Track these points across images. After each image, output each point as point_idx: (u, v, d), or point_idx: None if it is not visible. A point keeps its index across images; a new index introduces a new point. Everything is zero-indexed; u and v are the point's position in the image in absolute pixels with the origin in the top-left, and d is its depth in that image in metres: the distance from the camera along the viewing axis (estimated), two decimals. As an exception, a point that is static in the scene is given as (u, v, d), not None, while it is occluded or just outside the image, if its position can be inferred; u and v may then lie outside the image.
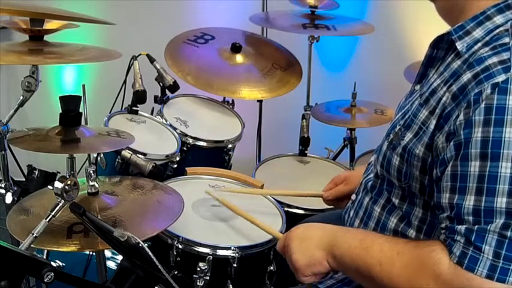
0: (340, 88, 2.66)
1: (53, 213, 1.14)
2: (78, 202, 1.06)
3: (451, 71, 1.01)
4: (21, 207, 1.39)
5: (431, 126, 1.00)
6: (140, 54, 2.11)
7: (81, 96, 1.43)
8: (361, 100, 2.48)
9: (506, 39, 0.96)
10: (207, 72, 2.30)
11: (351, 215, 1.28)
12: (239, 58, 2.36)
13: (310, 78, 2.62)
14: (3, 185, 1.69)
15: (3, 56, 1.41)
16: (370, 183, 1.22)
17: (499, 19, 0.99)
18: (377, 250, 1.01)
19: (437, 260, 0.93)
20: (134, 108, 2.07)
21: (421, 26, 2.68)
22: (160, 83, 2.18)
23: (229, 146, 2.15)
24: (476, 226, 0.90)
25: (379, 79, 2.88)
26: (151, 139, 2.00)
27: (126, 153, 1.78)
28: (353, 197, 1.33)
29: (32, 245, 1.13)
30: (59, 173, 1.94)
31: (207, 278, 1.42)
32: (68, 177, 1.14)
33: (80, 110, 1.41)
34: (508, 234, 0.88)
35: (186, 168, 1.85)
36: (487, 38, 0.98)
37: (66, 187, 1.11)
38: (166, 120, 2.11)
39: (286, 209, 1.78)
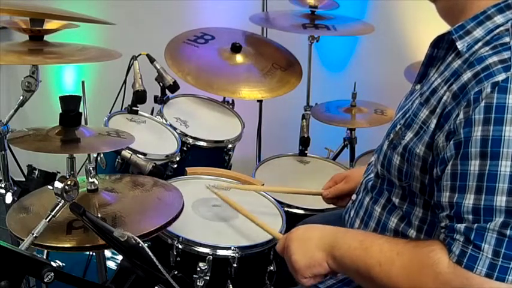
0: (340, 88, 2.66)
1: (53, 214, 1.14)
2: (77, 198, 1.06)
3: (452, 70, 1.01)
4: (21, 206, 1.39)
5: (432, 126, 1.00)
6: (140, 54, 2.11)
7: (81, 97, 1.42)
8: (361, 100, 2.48)
9: (507, 39, 0.96)
10: (207, 72, 2.30)
11: (351, 215, 1.28)
12: (239, 58, 2.36)
13: (310, 78, 2.62)
14: (3, 185, 1.69)
15: (3, 56, 1.41)
16: (370, 183, 1.22)
17: (499, 19, 0.99)
18: (377, 251, 1.01)
19: (437, 259, 0.93)
20: (134, 108, 2.06)
21: (421, 26, 2.68)
22: (160, 83, 2.18)
23: (229, 146, 2.15)
24: (476, 225, 0.90)
25: (379, 79, 2.88)
26: (151, 139, 2.00)
27: (126, 153, 1.78)
28: (353, 197, 1.33)
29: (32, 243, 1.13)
30: (59, 173, 1.94)
31: (207, 278, 1.42)
32: (68, 177, 1.14)
33: (80, 110, 1.41)
34: (508, 232, 0.88)
35: (186, 168, 1.85)
36: (488, 38, 0.98)
37: (66, 187, 1.11)
38: (166, 120, 2.11)
39: (286, 209, 1.78)
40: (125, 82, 2.17)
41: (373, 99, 2.55)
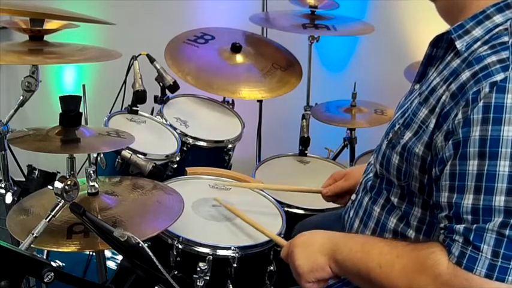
0: (340, 88, 2.66)
1: (53, 213, 1.14)
2: (78, 202, 1.06)
3: (451, 69, 1.01)
4: (21, 207, 1.39)
5: (431, 125, 1.00)
6: (140, 54, 2.11)
7: (81, 96, 1.43)
8: (361, 100, 2.48)
9: (506, 38, 0.96)
10: (207, 72, 2.30)
11: (350, 215, 1.28)
12: (239, 58, 2.36)
13: (310, 78, 2.62)
14: (3, 185, 1.69)
15: (3, 56, 1.41)
16: (369, 183, 1.22)
17: (498, 18, 0.99)
18: (377, 253, 1.01)
19: (436, 261, 0.93)
20: (134, 108, 2.07)
21: (421, 26, 2.68)
22: (160, 83, 2.18)
23: (229, 146, 2.15)
24: (475, 225, 0.90)
25: (379, 79, 2.88)
26: (151, 139, 2.00)
27: (126, 153, 1.78)
28: (353, 197, 1.33)
29: (32, 245, 1.13)
30: (59, 173, 1.94)
31: (207, 278, 1.42)
32: (68, 177, 1.14)
33: (80, 110, 1.41)
34: (507, 232, 0.88)
35: (186, 168, 1.85)
36: (487, 37, 0.98)
37: (66, 187, 1.11)
38: (166, 120, 2.11)
39: (286, 209, 1.78)
40: (125, 82, 2.17)
41: (373, 99, 2.55)
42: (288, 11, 2.56)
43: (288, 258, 1.17)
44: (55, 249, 1.24)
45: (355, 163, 2.46)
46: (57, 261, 1.63)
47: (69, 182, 1.11)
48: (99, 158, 1.75)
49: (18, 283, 0.86)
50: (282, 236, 1.58)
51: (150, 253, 0.95)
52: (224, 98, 2.39)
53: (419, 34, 2.78)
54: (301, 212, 1.83)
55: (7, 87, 2.96)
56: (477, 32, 1.00)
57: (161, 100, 2.20)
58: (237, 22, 2.59)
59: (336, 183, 1.52)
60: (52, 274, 0.88)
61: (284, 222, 1.64)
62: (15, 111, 1.60)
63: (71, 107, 1.39)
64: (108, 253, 1.67)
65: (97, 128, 1.51)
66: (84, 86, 1.53)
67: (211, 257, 1.46)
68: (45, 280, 0.88)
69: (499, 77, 0.90)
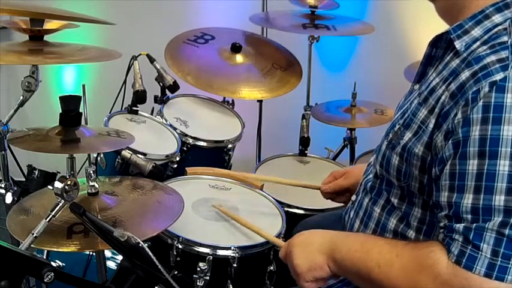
0: (340, 88, 2.66)
1: (53, 213, 1.14)
2: (78, 202, 1.06)
3: (450, 69, 1.01)
4: (21, 207, 1.39)
5: (431, 125, 1.00)
6: (140, 54, 2.11)
7: (81, 96, 1.43)
8: (361, 100, 2.49)
9: (505, 38, 0.96)
10: (207, 72, 2.30)
11: (351, 216, 1.28)
12: (239, 58, 2.36)
13: (310, 78, 2.62)
14: (3, 185, 1.69)
15: (3, 56, 1.41)
16: (369, 184, 1.22)
17: (497, 18, 0.99)
18: (376, 253, 1.01)
19: (436, 260, 0.93)
20: (134, 108, 2.07)
21: (421, 26, 2.68)
22: (160, 83, 2.18)
23: (229, 146, 2.15)
24: (475, 224, 0.90)
25: (379, 79, 2.88)
26: (151, 139, 2.00)
27: (126, 153, 1.78)
28: (353, 197, 1.33)
29: (32, 245, 1.13)
30: (59, 173, 1.94)
31: (207, 278, 1.42)
32: (68, 177, 1.14)
33: (80, 110, 1.41)
34: (506, 232, 0.88)
35: (186, 168, 1.85)
36: (486, 37, 0.98)
37: (66, 187, 1.11)
38: (166, 120, 2.11)
39: (286, 209, 1.78)
40: (125, 82, 2.17)
41: (373, 99, 2.55)
42: (288, 11, 2.56)
43: (286, 258, 1.17)
44: (55, 249, 1.24)
45: (355, 163, 2.46)
46: (57, 261, 1.64)
47: (69, 182, 1.11)
48: (99, 158, 1.75)
49: (18, 283, 0.87)
50: (282, 236, 1.58)
51: (150, 253, 0.95)
52: (224, 98, 2.39)
53: (419, 34, 2.78)
54: (301, 212, 1.83)
55: (7, 87, 2.96)
56: (476, 32, 1.00)
57: (161, 100, 2.20)
58: (237, 22, 2.59)
59: (335, 181, 1.52)
60: (52, 274, 0.88)
61: (284, 222, 1.64)
62: (15, 111, 1.60)
63: (71, 107, 1.39)
64: (108, 253, 1.67)
65: (97, 128, 1.51)
66: (84, 86, 1.53)
67: (211, 257, 1.46)
68: (45, 280, 0.88)
69: (498, 76, 0.91)
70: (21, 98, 1.57)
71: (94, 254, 1.61)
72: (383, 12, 2.86)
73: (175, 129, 2.08)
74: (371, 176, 1.23)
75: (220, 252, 1.48)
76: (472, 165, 0.91)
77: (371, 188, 1.21)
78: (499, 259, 0.88)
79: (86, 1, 2.59)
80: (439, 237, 0.97)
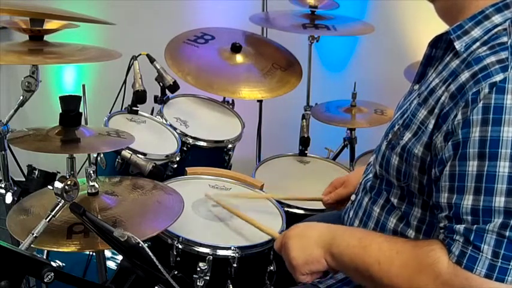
0: (340, 88, 2.66)
1: (53, 213, 1.14)
2: (78, 202, 1.06)
3: (450, 70, 1.01)
4: (21, 207, 1.39)
5: (430, 126, 1.00)
6: (140, 54, 2.11)
7: (81, 96, 1.43)
8: (361, 100, 2.49)
9: (505, 39, 0.96)
10: (207, 72, 2.30)
11: (350, 216, 1.28)
12: (239, 58, 2.36)
13: (310, 78, 2.62)
14: (3, 185, 1.69)
15: (3, 56, 1.41)
16: (369, 184, 1.22)
17: (497, 18, 0.99)
18: (376, 249, 1.01)
19: (436, 259, 0.93)
20: (134, 108, 2.07)
21: (421, 26, 2.68)
22: (160, 83, 2.18)
23: (229, 146, 2.15)
24: (475, 226, 0.90)
25: (379, 79, 2.88)
26: (151, 139, 2.00)
27: (126, 153, 1.78)
28: (352, 197, 1.33)
29: (32, 245, 1.13)
30: (59, 173, 1.94)
31: (207, 278, 1.42)
32: (68, 177, 1.14)
33: (80, 110, 1.41)
34: (507, 233, 0.88)
35: (186, 168, 1.85)
36: (486, 38, 0.98)
37: (66, 187, 1.11)
38: (166, 120, 2.11)
39: (286, 209, 1.78)
40: (125, 82, 2.17)
41: (373, 99, 2.55)
42: (288, 11, 2.56)
43: (281, 250, 1.17)
44: (55, 249, 1.24)
45: (355, 163, 2.46)
46: (57, 261, 1.64)
47: (69, 182, 1.11)
48: (99, 158, 1.75)
49: (18, 283, 0.86)
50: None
51: (150, 253, 0.95)
52: (224, 98, 2.39)
53: (419, 34, 2.78)
54: (301, 212, 1.83)
55: (7, 87, 2.96)
56: (476, 32, 1.00)
57: (161, 100, 2.20)
58: (237, 22, 2.59)
59: (336, 191, 1.53)
60: (52, 274, 0.88)
61: (284, 222, 1.64)
62: (15, 111, 1.60)
63: (71, 107, 1.39)
64: (108, 253, 1.67)
65: (97, 128, 1.51)
66: (84, 86, 1.53)
67: (211, 257, 1.46)
68: (45, 280, 0.88)
69: (498, 77, 0.90)
70: (21, 98, 1.57)
71: (94, 254, 1.61)
72: (383, 12, 2.86)
73: (175, 129, 2.08)
74: (371, 175, 1.23)
75: (220, 252, 1.48)
76: (472, 166, 0.91)
77: (371, 188, 1.21)
78: (500, 260, 0.88)
79: (86, 1, 2.59)
80: (439, 237, 0.97)
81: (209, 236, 1.53)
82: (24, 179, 2.11)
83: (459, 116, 0.93)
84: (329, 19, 2.47)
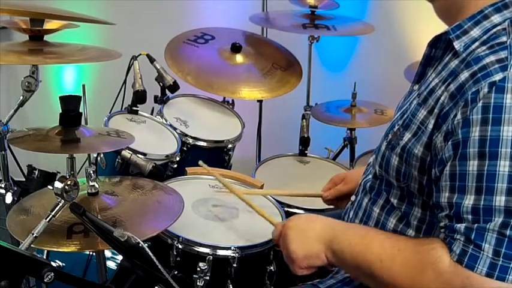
0: (340, 88, 2.66)
1: (53, 213, 1.14)
2: (78, 202, 1.06)
3: (449, 70, 1.01)
4: (21, 207, 1.39)
5: (430, 126, 1.00)
6: (140, 54, 2.11)
7: (81, 96, 1.43)
8: (361, 100, 2.49)
9: (504, 38, 0.96)
10: (207, 72, 2.30)
11: (350, 216, 1.28)
12: (239, 58, 2.36)
13: (310, 78, 2.62)
14: (3, 185, 1.69)
15: (3, 56, 1.41)
16: (368, 184, 1.22)
17: (496, 18, 0.99)
18: (378, 247, 1.01)
19: (438, 257, 0.93)
20: (134, 108, 2.07)
21: (421, 26, 2.68)
22: (160, 83, 2.18)
23: (229, 146, 2.16)
24: (476, 225, 0.91)
25: (379, 79, 2.88)
26: (151, 139, 2.00)
27: (126, 153, 1.78)
28: (352, 198, 1.33)
29: (32, 245, 1.13)
30: (59, 173, 1.94)
31: (207, 278, 1.42)
32: (68, 177, 1.14)
33: (80, 110, 1.41)
34: (507, 232, 0.89)
35: (186, 168, 1.85)
36: (485, 37, 0.98)
37: (66, 187, 1.11)
38: (166, 120, 2.11)
39: (286, 209, 1.78)
40: (125, 82, 2.17)
41: (373, 99, 2.55)
42: (288, 11, 2.56)
43: (279, 239, 1.17)
44: (55, 249, 1.24)
45: (355, 163, 2.46)
46: (57, 261, 1.64)
47: (69, 182, 1.11)
48: (99, 158, 1.75)
49: (18, 283, 0.87)
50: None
51: (150, 253, 0.95)
52: (224, 98, 2.39)
53: (419, 34, 2.78)
54: (301, 212, 1.83)
55: (7, 87, 2.97)
56: (475, 32, 1.00)
57: (161, 100, 2.20)
58: (237, 22, 2.59)
59: (335, 187, 1.52)
60: (52, 274, 0.88)
61: (284, 222, 1.64)
62: (15, 111, 1.60)
63: (71, 107, 1.39)
64: (108, 253, 1.67)
65: (97, 128, 1.51)
66: (84, 86, 1.53)
67: (211, 257, 1.46)
68: (45, 280, 0.88)
69: (497, 76, 0.91)
70: (21, 98, 1.57)
71: (94, 254, 1.61)
72: (383, 12, 2.86)
73: (175, 129, 2.08)
74: (370, 176, 1.23)
75: (220, 252, 1.48)
76: (472, 166, 0.91)
77: (370, 188, 1.20)
78: (501, 259, 0.89)
79: (86, 1, 2.59)
80: (440, 236, 0.97)
81: (209, 236, 1.53)
82: (24, 179, 2.11)
83: (459, 116, 0.93)
84: (329, 19, 2.47)
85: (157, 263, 0.95)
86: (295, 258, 1.11)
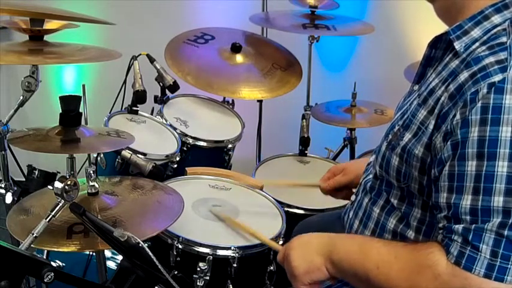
0: (340, 88, 2.66)
1: (53, 213, 1.14)
2: (78, 202, 1.06)
3: (449, 70, 1.01)
4: (21, 207, 1.39)
5: (430, 126, 1.00)
6: (140, 54, 2.11)
7: (81, 96, 1.43)
8: (361, 100, 2.48)
9: (504, 39, 0.96)
10: (207, 72, 2.30)
11: (350, 216, 1.28)
12: (239, 58, 2.36)
13: (310, 78, 2.62)
14: (3, 185, 1.69)
15: (3, 56, 1.41)
16: (369, 184, 1.22)
17: (496, 18, 0.99)
18: (375, 254, 1.01)
19: (435, 261, 0.93)
20: (134, 108, 2.07)
21: (421, 26, 2.68)
22: (160, 83, 2.18)
23: (229, 146, 2.16)
24: (474, 225, 0.91)
25: (379, 79, 2.88)
26: (151, 139, 2.00)
27: (126, 153, 1.78)
28: (352, 197, 1.33)
29: (32, 245, 1.13)
30: (59, 173, 1.94)
31: (207, 278, 1.42)
32: (68, 177, 1.14)
33: (80, 110, 1.41)
34: (505, 233, 0.89)
35: (186, 168, 1.85)
36: (485, 38, 0.98)
37: (66, 187, 1.11)
38: (166, 120, 2.11)
39: (286, 209, 1.78)
40: (125, 82, 2.17)
41: (373, 99, 2.55)
42: (288, 11, 2.56)
43: (284, 261, 1.17)
44: (55, 249, 1.24)
45: (355, 163, 2.46)
46: (57, 261, 1.64)
47: (69, 182, 1.11)
48: (99, 158, 1.75)
49: (18, 283, 0.87)
50: (282, 236, 1.58)
51: (150, 253, 0.95)
52: (224, 98, 2.39)
53: (419, 34, 2.77)
54: (301, 212, 1.83)
55: (7, 87, 2.97)
56: (475, 32, 1.00)
57: (161, 100, 2.20)
58: (237, 22, 2.59)
59: (334, 178, 1.52)
60: (52, 274, 0.88)
61: (284, 222, 1.64)
62: (15, 111, 1.60)
63: (71, 107, 1.39)
64: (108, 253, 1.67)
65: (97, 128, 1.51)
66: (84, 86, 1.53)
67: (211, 257, 1.46)
68: (45, 280, 0.88)
69: (497, 77, 0.91)
70: (21, 98, 1.57)
71: (94, 254, 1.61)
72: (383, 12, 2.86)
73: (175, 129, 2.08)
74: (371, 176, 1.23)
75: (220, 252, 1.48)
76: (471, 166, 0.91)
77: (371, 188, 1.21)
78: (498, 260, 0.89)
79: (86, 1, 2.59)
80: (438, 238, 0.97)
81: (209, 236, 1.53)
82: (24, 179, 2.11)
83: (458, 116, 0.93)
84: (329, 19, 2.47)
85: (157, 263, 0.95)
86: (297, 275, 1.11)
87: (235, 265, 1.48)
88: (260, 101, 2.62)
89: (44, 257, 1.57)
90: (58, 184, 1.11)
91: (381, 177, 1.16)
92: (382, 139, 1.17)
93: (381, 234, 1.15)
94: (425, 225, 1.08)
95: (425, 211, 1.07)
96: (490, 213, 0.89)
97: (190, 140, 2.07)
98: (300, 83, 2.38)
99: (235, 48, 2.36)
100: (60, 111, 1.39)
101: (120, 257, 1.62)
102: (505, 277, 0.89)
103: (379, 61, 2.92)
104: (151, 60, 2.16)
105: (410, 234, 1.09)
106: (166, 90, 2.20)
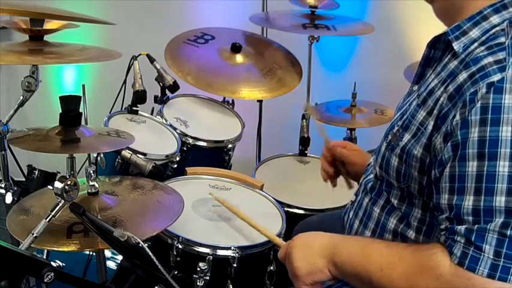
0: (340, 88, 2.66)
1: (53, 213, 1.14)
2: (78, 202, 1.06)
3: (448, 71, 1.01)
4: (21, 207, 1.39)
5: (430, 127, 1.00)
6: (140, 54, 2.11)
7: (81, 96, 1.43)
8: (361, 100, 2.48)
9: (502, 39, 0.96)
10: (207, 72, 2.30)
11: (350, 216, 1.28)
12: (239, 58, 2.36)
13: (310, 78, 2.61)
14: (3, 185, 1.69)
15: (3, 56, 1.41)
16: (369, 184, 1.22)
17: (495, 19, 0.99)
18: (377, 256, 1.01)
19: (438, 262, 0.93)
20: (134, 108, 2.07)
21: (421, 26, 2.67)
22: (160, 83, 2.19)
23: (229, 146, 2.16)
24: (476, 226, 0.90)
25: (379, 79, 2.88)
26: (151, 139, 2.00)
27: (126, 153, 1.78)
28: (352, 198, 1.33)
29: (32, 245, 1.13)
30: (59, 173, 1.94)
31: (207, 278, 1.42)
32: (68, 177, 1.14)
33: (80, 110, 1.41)
34: (508, 232, 0.88)
35: (186, 168, 1.85)
36: (484, 38, 0.98)
37: (66, 187, 1.11)
38: (166, 120, 2.11)
39: (286, 209, 1.78)
40: (125, 82, 2.17)
41: (373, 99, 2.55)
42: (288, 11, 2.56)
43: (285, 259, 1.17)
44: (55, 249, 1.24)
45: (355, 163, 2.45)
46: (57, 261, 1.64)
47: (69, 182, 1.11)
48: (99, 158, 1.75)
49: (18, 283, 0.87)
50: (282, 236, 1.58)
51: (150, 253, 0.95)
52: (224, 98, 2.39)
53: (419, 34, 2.77)
54: (301, 212, 1.83)
55: (7, 87, 2.96)
56: (474, 33, 1.00)
57: (161, 100, 2.20)
58: (237, 22, 2.59)
59: (342, 149, 1.54)
60: (52, 274, 0.88)
61: (284, 222, 1.64)
62: (15, 111, 1.60)
63: (71, 107, 1.39)
64: (108, 253, 1.67)
65: (97, 128, 1.51)
66: (84, 86, 1.53)
67: (211, 257, 1.46)
68: (45, 280, 0.88)
69: (496, 77, 0.90)
70: (21, 98, 1.57)
71: (94, 254, 1.61)
72: (383, 12, 2.86)
73: (175, 129, 2.08)
74: (371, 176, 1.23)
75: (220, 252, 1.48)
76: (472, 167, 0.91)
77: (371, 188, 1.20)
78: (502, 260, 0.88)
79: (86, 1, 2.59)
80: (441, 239, 0.97)
81: (209, 236, 1.53)
82: (24, 179, 2.11)
83: (457, 117, 0.93)
84: (329, 19, 2.46)
85: (157, 263, 0.95)
86: (299, 275, 1.11)
87: (235, 265, 1.48)
88: (260, 101, 2.62)
89: (44, 256, 1.57)
90: (58, 184, 1.11)
91: (381, 178, 1.16)
92: (382, 139, 1.17)
93: (381, 234, 1.15)
94: (425, 225, 1.07)
95: (425, 211, 1.07)
96: (492, 213, 0.89)
97: (190, 140, 2.07)
98: (300, 83, 2.38)
99: (235, 48, 2.36)
100: (60, 111, 1.39)
101: (120, 257, 1.62)
102: (509, 277, 0.88)
103: (379, 61, 2.92)
104: (151, 60, 2.16)
105: (411, 234, 1.09)
106: (166, 90, 2.20)
